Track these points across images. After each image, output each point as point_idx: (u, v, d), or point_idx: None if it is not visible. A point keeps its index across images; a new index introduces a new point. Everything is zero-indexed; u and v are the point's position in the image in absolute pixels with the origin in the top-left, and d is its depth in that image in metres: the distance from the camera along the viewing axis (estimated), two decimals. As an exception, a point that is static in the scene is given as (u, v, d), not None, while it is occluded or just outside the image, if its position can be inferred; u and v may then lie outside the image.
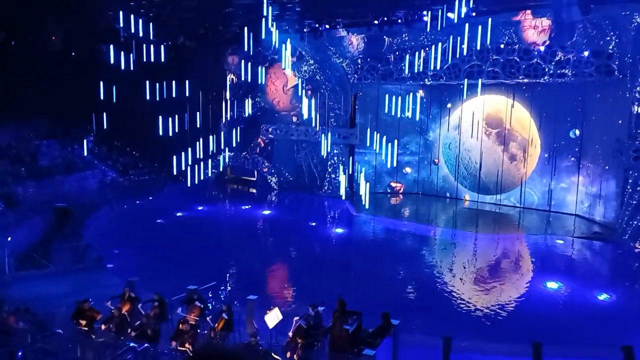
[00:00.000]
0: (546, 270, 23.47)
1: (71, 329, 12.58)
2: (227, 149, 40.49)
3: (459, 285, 21.90)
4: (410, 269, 23.77)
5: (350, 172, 34.74)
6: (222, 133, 41.84)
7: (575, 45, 28.66)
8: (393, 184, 38.18)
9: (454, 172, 36.63)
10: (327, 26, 33.66)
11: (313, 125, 34.02)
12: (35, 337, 10.58)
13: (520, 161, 33.88)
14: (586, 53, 28.41)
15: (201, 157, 32.98)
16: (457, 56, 30.26)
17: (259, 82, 34.44)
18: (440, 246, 28.90)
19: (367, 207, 29.98)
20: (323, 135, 32.70)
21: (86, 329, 13.03)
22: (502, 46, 30.73)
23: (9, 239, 23.53)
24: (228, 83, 32.71)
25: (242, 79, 34.79)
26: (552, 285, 21.53)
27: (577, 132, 31.29)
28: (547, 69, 29.56)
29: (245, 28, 28.63)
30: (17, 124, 36.72)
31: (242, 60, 33.47)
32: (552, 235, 28.60)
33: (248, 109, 36.28)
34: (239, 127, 38.89)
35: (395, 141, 31.62)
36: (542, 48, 29.57)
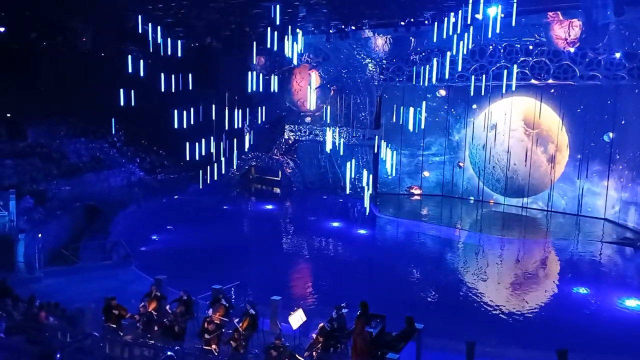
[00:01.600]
0: (574, 276, 23.08)
1: (101, 326, 12.84)
2: (251, 149, 40.76)
3: (484, 289, 21.67)
4: (434, 272, 23.61)
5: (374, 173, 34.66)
6: (248, 133, 42.18)
7: (606, 47, 28.11)
8: (412, 188, 37.96)
9: (482, 174, 36.09)
10: (353, 27, 33.61)
11: (323, 121, 33.87)
12: (70, 336, 10.81)
13: (550, 164, 33.33)
14: (618, 55, 27.83)
15: (226, 156, 33.22)
16: (484, 57, 29.94)
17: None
18: (465, 250, 28.63)
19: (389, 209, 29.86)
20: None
21: (114, 325, 13.29)
22: (531, 47, 30.31)
23: (40, 235, 24.12)
24: (253, 83, 32.84)
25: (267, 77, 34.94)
26: (579, 290, 21.16)
27: (611, 135, 30.64)
28: (577, 71, 29.06)
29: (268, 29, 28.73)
30: (48, 122, 37.60)
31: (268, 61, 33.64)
32: (581, 240, 28.10)
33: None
34: (263, 128, 39.12)
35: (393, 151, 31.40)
36: (572, 50, 29.07)
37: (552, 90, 32.01)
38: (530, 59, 30.36)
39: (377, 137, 36.10)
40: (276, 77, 34.41)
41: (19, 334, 11.10)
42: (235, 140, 33.55)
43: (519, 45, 30.53)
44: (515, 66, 30.25)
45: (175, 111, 30.47)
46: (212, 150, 31.95)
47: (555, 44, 29.48)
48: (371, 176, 35.15)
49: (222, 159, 31.75)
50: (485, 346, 14.53)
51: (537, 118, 33.08)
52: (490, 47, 31.27)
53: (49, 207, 28.15)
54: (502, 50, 30.75)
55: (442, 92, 36.13)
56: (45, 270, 21.11)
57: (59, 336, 10.88)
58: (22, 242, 22.64)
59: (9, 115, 37.11)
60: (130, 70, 30.56)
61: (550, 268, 25.83)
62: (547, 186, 33.49)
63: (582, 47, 28.78)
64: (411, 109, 30.67)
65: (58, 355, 4.69)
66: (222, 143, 33.23)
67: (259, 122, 38.15)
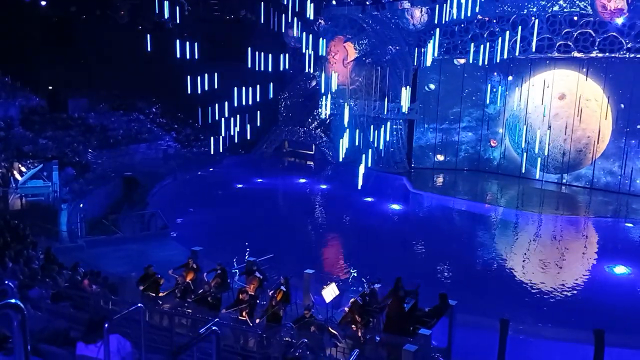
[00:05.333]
0: (614, 255, 22.57)
1: (139, 294, 13.27)
2: (285, 122, 40.78)
3: (519, 267, 21.44)
4: (469, 248, 23.44)
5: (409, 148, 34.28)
6: (282, 106, 42.21)
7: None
8: (439, 157, 37.34)
9: (521, 149, 35.05)
10: (390, -2, 32.96)
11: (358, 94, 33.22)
12: (113, 304, 11.20)
13: (592, 139, 32.19)
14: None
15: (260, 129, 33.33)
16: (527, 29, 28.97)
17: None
18: (500, 226, 28.26)
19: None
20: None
21: (152, 294, 13.72)
22: (575, 18, 29.14)
23: (81, 205, 24.91)
24: (287, 56, 32.71)
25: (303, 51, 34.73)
26: (619, 270, 20.71)
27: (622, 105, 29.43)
28: (624, 43, 27.87)
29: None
30: (87, 95, 38.45)
31: (304, 33, 33.33)
32: (623, 218, 27.37)
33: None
34: (298, 101, 39.04)
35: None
36: (620, 20, 27.83)
37: (597, 63, 30.78)
38: (574, 31, 29.20)
39: (413, 110, 35.68)
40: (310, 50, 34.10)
41: (64, 300, 11.58)
42: (268, 113, 33.65)
43: (562, 17, 29.39)
44: (558, 37, 29.30)
45: (206, 82, 30.55)
46: (246, 122, 32.10)
47: (601, 14, 28.25)
48: (406, 150, 34.97)
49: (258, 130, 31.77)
50: (519, 324, 14.45)
51: (580, 92, 31.95)
52: (533, 18, 30.22)
53: (89, 178, 28.97)
54: (544, 22, 29.64)
55: (462, 61, 35.03)
56: (86, 239, 21.80)
57: (102, 303, 11.30)
58: (65, 211, 23.45)
59: (50, 87, 38.07)
60: (166, 44, 30.82)
61: (590, 246, 25.32)
62: (589, 162, 32.48)
63: (631, 17, 27.48)
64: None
65: (107, 325, 4.86)
66: (256, 115, 33.36)
67: (293, 95, 38.09)
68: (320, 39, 33.90)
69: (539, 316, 16.83)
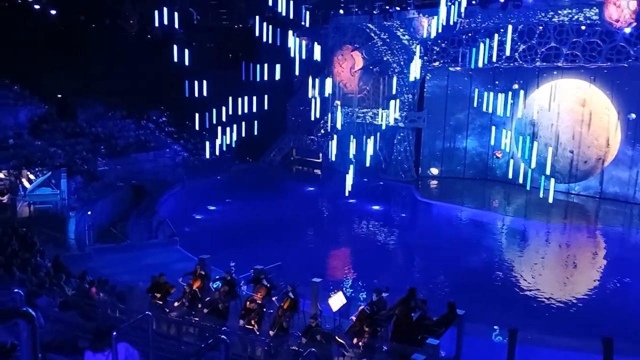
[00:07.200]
0: (623, 264, 22.37)
1: (148, 303, 13.27)
2: (292, 130, 40.87)
3: (528, 275, 21.28)
4: (477, 256, 23.31)
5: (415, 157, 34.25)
6: (290, 114, 42.33)
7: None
8: (433, 170, 37.36)
9: (528, 158, 34.93)
10: (398, 7, 33.05)
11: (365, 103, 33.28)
12: (120, 312, 11.22)
13: (601, 148, 32.01)
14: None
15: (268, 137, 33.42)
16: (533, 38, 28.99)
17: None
18: (508, 235, 28.11)
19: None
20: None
21: (160, 302, 13.71)
22: (583, 28, 29.11)
23: (89, 213, 24.99)
24: (297, 65, 32.80)
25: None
26: (628, 279, 20.52)
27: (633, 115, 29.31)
28: (631, 52, 27.79)
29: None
30: (96, 103, 38.68)
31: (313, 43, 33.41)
32: (633, 228, 27.17)
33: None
34: (304, 110, 39.07)
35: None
36: (627, 30, 27.76)
37: (605, 71, 30.65)
38: (581, 40, 29.13)
39: (420, 119, 35.68)
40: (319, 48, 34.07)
41: (72, 309, 11.59)
42: (276, 122, 33.75)
43: (570, 26, 29.36)
44: (565, 47, 29.30)
45: (219, 93, 30.70)
46: (255, 132, 32.19)
47: (609, 24, 28.20)
48: (413, 159, 34.94)
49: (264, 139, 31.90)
50: (528, 333, 14.32)
51: (587, 101, 31.83)
52: (540, 27, 30.22)
53: (97, 186, 29.07)
54: (551, 31, 29.64)
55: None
56: (94, 247, 21.84)
57: (109, 312, 11.32)
58: (73, 219, 23.52)
59: (59, 95, 38.32)
60: (175, 53, 30.98)
61: (599, 255, 25.12)
62: (597, 171, 32.30)
63: (638, 27, 27.43)
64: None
65: (115, 333, 4.86)
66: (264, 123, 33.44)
67: (299, 103, 38.16)
68: (317, 45, 33.79)
69: (547, 325, 16.69)
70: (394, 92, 35.64)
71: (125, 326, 5.46)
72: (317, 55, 33.29)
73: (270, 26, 29.90)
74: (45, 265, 16.00)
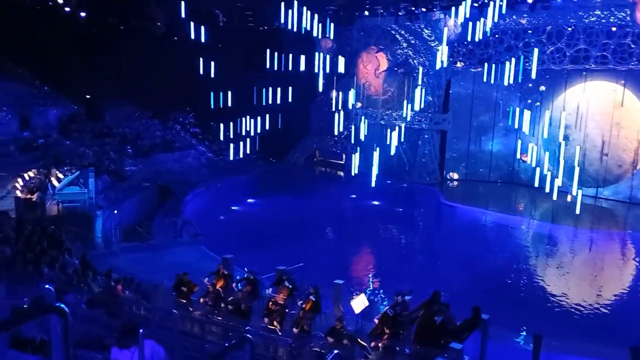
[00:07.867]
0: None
1: (172, 301, 13.42)
2: (315, 132, 40.86)
3: (554, 280, 20.94)
4: (502, 261, 23.03)
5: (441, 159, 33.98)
6: (313, 115, 42.35)
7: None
8: (453, 175, 37.03)
9: (556, 162, 34.23)
10: (424, 9, 32.84)
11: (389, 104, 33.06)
12: (145, 309, 11.36)
13: (632, 152, 31.27)
14: None
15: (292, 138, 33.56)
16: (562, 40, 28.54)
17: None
18: (535, 239, 27.67)
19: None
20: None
21: (184, 301, 13.86)
22: (613, 29, 28.53)
23: (116, 212, 25.41)
24: (321, 67, 32.88)
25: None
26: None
27: None
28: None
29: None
30: (123, 104, 39.28)
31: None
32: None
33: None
34: (328, 111, 39.05)
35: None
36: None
37: (636, 74, 29.98)
38: (612, 42, 28.55)
39: (445, 121, 35.39)
40: (343, 60, 34.24)
41: (98, 306, 11.80)
42: (300, 122, 33.81)
43: (600, 28, 28.80)
44: (595, 49, 28.79)
45: (242, 94, 30.95)
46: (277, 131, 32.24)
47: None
48: (439, 161, 34.60)
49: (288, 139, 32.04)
50: (553, 340, 14.08)
51: (619, 104, 31.15)
52: (570, 28, 29.72)
53: (124, 186, 29.52)
54: (581, 33, 29.15)
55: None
56: (120, 245, 22.17)
57: (134, 309, 11.48)
58: (100, 218, 23.92)
59: (88, 96, 39.03)
60: (201, 55, 31.33)
61: (629, 261, 24.57)
62: (629, 175, 31.53)
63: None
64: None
65: (141, 331, 4.94)
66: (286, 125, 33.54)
67: (323, 105, 38.19)
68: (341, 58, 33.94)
69: (573, 332, 16.39)
70: (418, 88, 35.34)
71: (152, 322, 5.54)
72: (341, 67, 33.41)
73: (295, 24, 30.11)
74: (72, 263, 16.30)
